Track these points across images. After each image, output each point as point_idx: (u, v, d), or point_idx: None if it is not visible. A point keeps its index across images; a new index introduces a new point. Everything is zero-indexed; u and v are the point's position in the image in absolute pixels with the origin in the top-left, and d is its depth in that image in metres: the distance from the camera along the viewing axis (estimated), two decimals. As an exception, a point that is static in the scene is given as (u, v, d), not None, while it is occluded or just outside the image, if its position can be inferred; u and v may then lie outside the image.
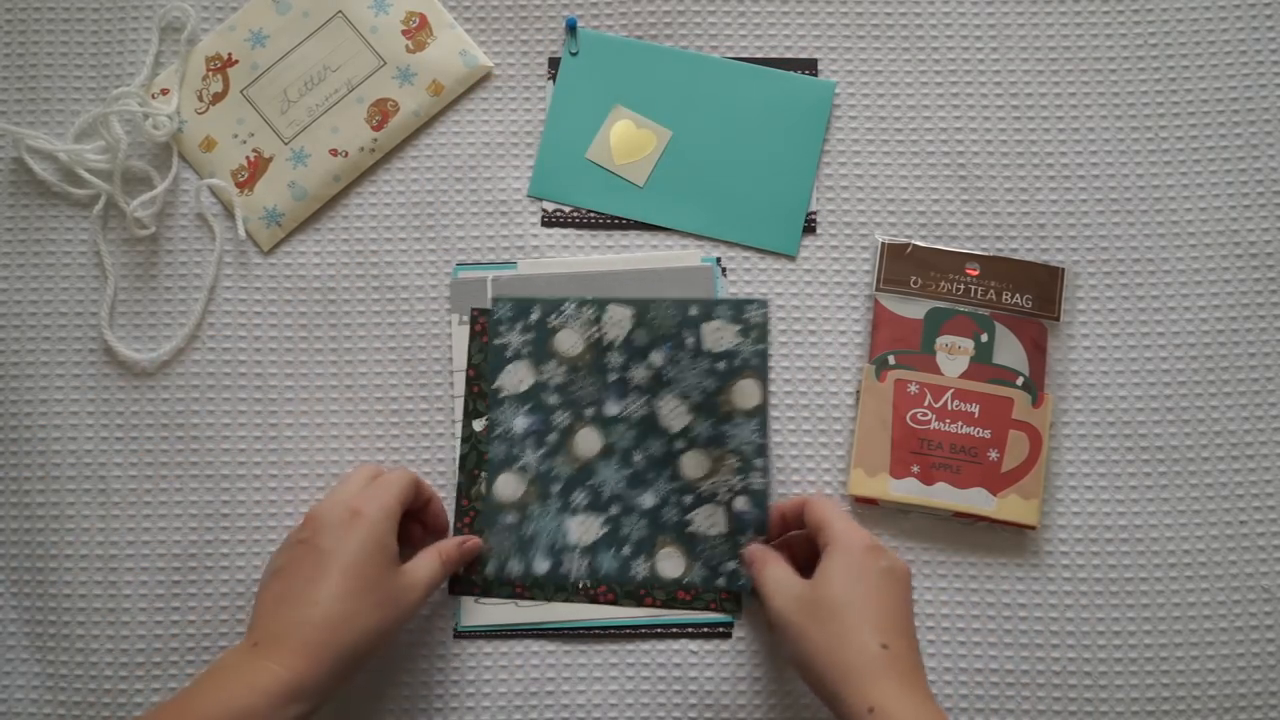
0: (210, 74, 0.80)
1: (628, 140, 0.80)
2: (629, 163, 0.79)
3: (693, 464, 0.74)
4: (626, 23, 0.81)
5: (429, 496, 0.73)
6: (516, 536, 0.74)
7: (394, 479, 0.69)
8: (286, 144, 0.79)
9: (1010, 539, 0.75)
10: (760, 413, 0.74)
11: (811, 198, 0.79)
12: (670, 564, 0.74)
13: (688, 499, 0.74)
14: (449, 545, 0.71)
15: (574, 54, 0.80)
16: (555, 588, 0.73)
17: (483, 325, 0.76)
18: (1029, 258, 0.78)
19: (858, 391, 0.77)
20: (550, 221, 0.79)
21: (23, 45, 0.81)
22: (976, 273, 0.77)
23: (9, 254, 0.79)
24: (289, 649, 0.61)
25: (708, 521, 0.74)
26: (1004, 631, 0.74)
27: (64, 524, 0.76)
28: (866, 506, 0.76)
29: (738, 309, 0.75)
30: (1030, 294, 0.76)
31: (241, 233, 0.78)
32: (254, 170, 0.79)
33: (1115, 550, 0.75)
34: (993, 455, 0.75)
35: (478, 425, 0.75)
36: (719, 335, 0.74)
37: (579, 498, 0.74)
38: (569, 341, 0.75)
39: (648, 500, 0.74)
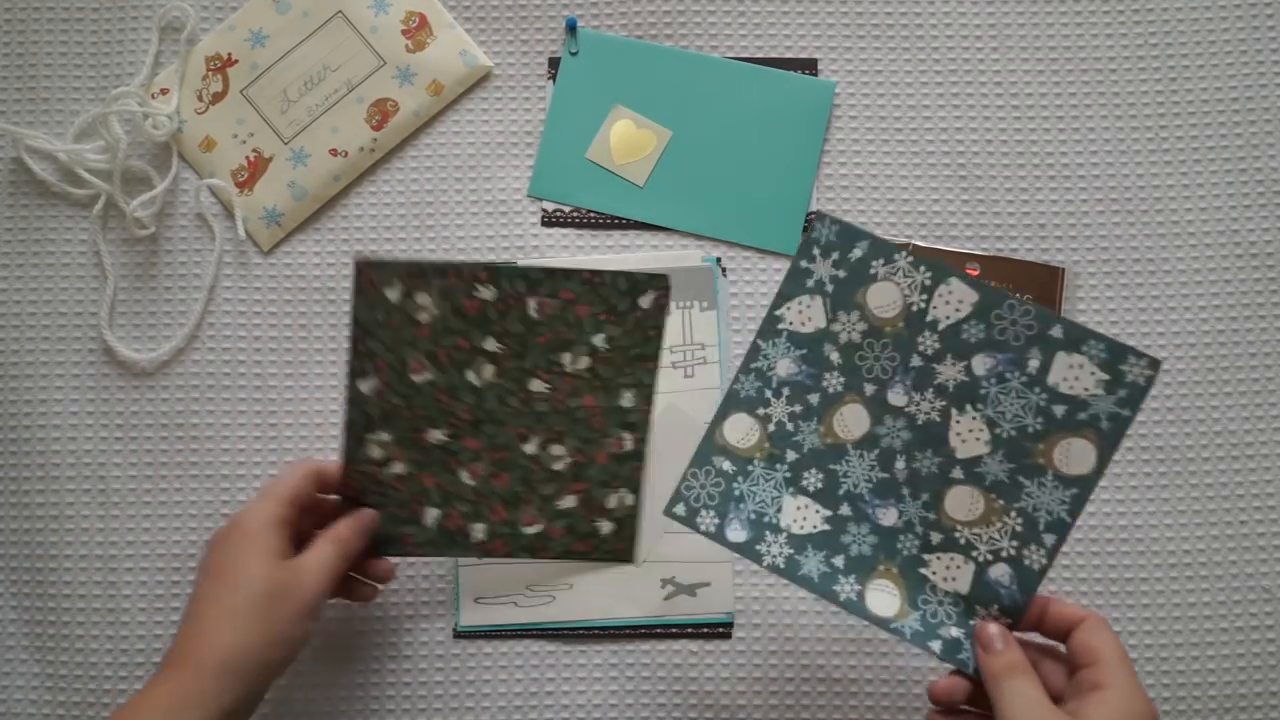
0: (210, 74, 0.80)
1: (628, 140, 0.80)
2: (629, 163, 0.79)
3: (963, 500, 0.61)
4: (626, 22, 0.81)
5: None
6: (725, 489, 0.63)
7: (281, 479, 0.65)
8: (286, 144, 0.79)
9: (1010, 539, 0.75)
10: (1083, 485, 0.59)
11: (811, 198, 0.79)
12: (882, 599, 0.61)
13: (936, 537, 0.61)
14: (339, 525, 0.66)
15: (574, 54, 0.80)
16: (744, 555, 0.63)
17: (368, 280, 0.64)
18: (1029, 258, 0.78)
19: (858, 391, 0.76)
20: (550, 221, 0.79)
21: (22, 45, 0.81)
22: (977, 272, 0.77)
23: (9, 254, 0.79)
24: (178, 665, 0.61)
25: (947, 572, 0.61)
26: (1004, 632, 0.74)
27: (63, 524, 0.76)
28: (867, 507, 0.76)
29: (1116, 354, 0.58)
30: (1031, 294, 0.76)
31: (241, 233, 0.78)
32: (254, 170, 0.79)
33: (1115, 550, 0.75)
34: (993, 455, 0.74)
35: (364, 386, 0.66)
36: (1075, 375, 0.59)
37: (812, 478, 0.63)
38: (886, 299, 0.61)
39: (888, 516, 0.62)
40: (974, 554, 0.60)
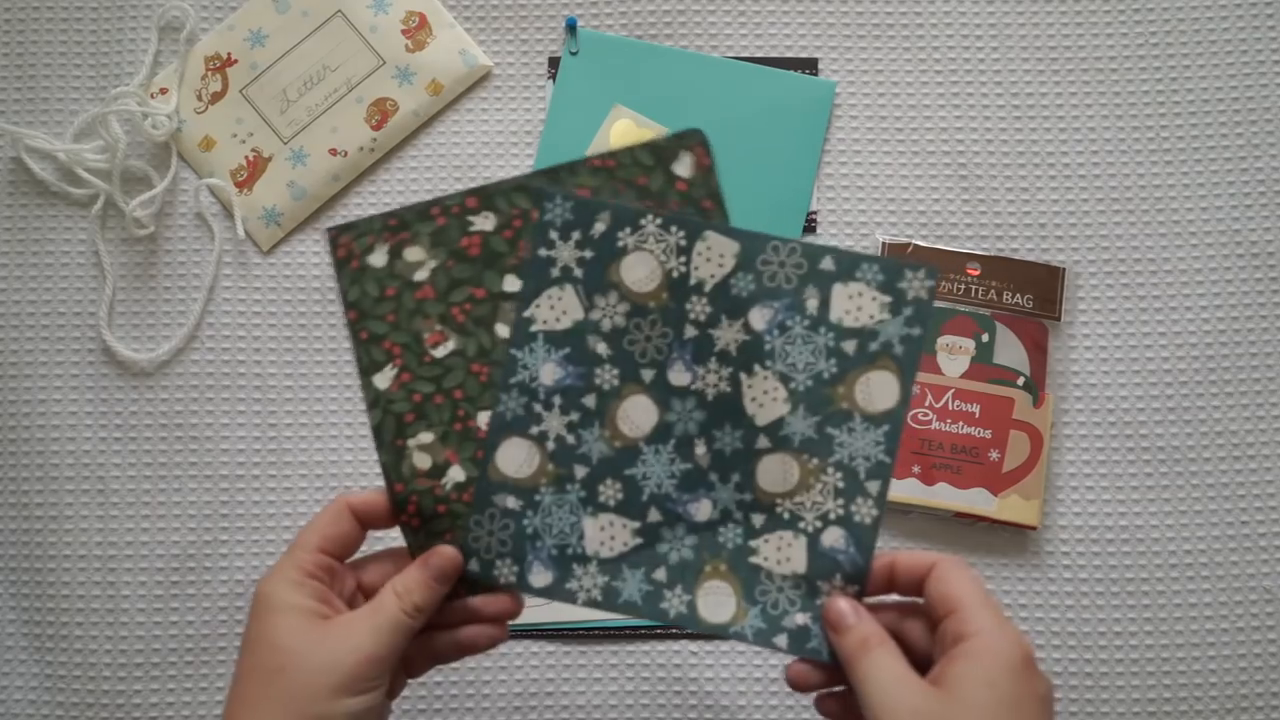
0: (209, 73, 0.80)
1: (628, 140, 0.79)
2: (629, 162, 0.79)
3: (775, 470, 0.55)
4: (626, 22, 0.81)
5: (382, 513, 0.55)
6: (515, 530, 0.55)
7: (306, 526, 0.54)
8: (286, 143, 0.79)
9: (1011, 539, 0.75)
10: (892, 420, 0.54)
11: (812, 197, 0.79)
12: (715, 603, 0.54)
13: (758, 519, 0.54)
14: (406, 572, 0.53)
15: (574, 53, 0.80)
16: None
17: (347, 249, 0.55)
18: (1030, 257, 0.78)
19: (858, 391, 0.76)
20: (550, 221, 0.79)
21: (21, 45, 0.80)
22: (977, 272, 0.77)
23: (8, 254, 0.79)
24: None
25: (780, 554, 0.54)
26: (1005, 632, 0.74)
27: (63, 524, 0.76)
28: (867, 507, 0.76)
29: (893, 273, 0.54)
30: (1031, 294, 0.76)
31: (241, 232, 0.78)
32: (253, 170, 0.79)
33: (1116, 551, 0.75)
34: (993, 455, 0.75)
35: (382, 381, 0.55)
36: (857, 305, 0.54)
37: (609, 491, 0.55)
38: (641, 271, 0.55)
39: (702, 511, 0.55)
40: (802, 525, 0.54)
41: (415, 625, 0.51)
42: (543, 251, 0.55)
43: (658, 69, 0.80)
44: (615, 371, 0.55)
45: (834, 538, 0.54)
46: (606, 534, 0.55)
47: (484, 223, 0.55)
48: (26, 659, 0.75)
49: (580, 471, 0.55)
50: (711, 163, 0.56)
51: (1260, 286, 0.77)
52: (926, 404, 0.75)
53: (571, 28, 0.80)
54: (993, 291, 0.76)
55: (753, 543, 0.54)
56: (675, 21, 0.80)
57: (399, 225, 0.55)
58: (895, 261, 0.54)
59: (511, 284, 0.55)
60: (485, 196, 0.55)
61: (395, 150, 0.80)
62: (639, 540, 0.55)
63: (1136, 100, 0.80)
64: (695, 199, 0.56)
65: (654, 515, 0.55)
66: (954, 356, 0.76)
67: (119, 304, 0.78)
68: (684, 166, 0.55)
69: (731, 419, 0.55)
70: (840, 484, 0.54)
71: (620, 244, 0.55)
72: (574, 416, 0.55)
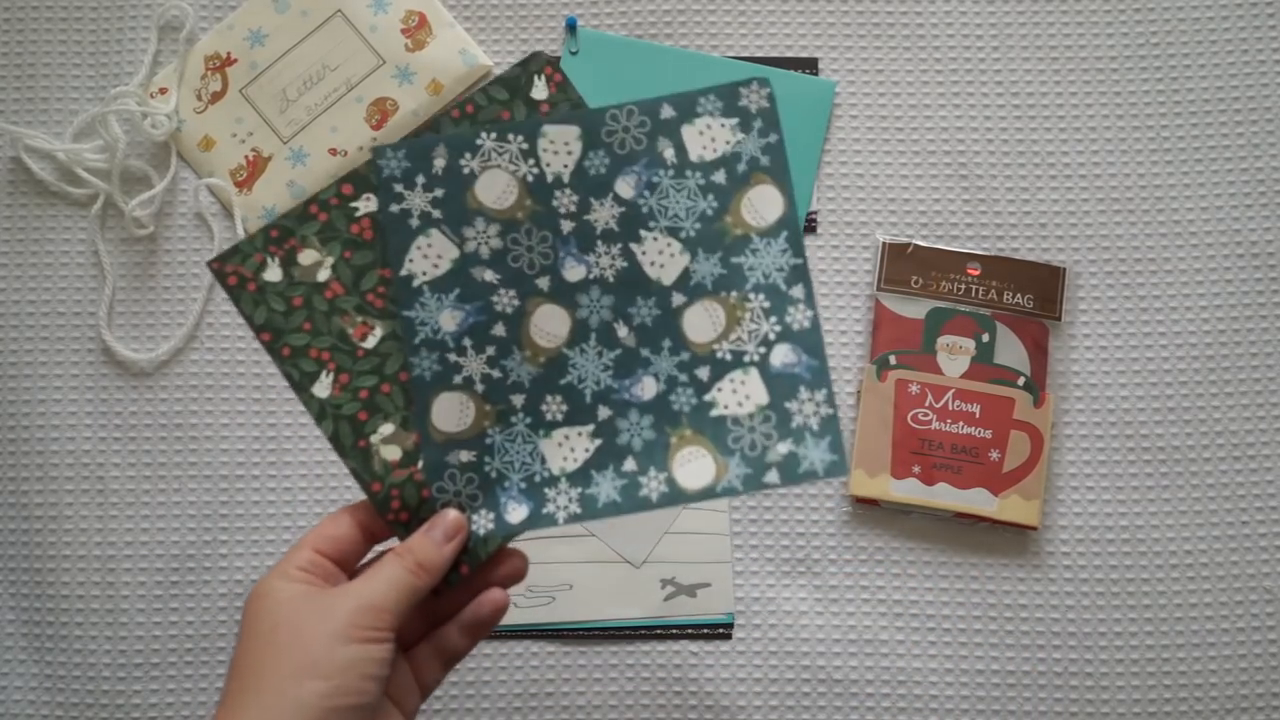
0: (209, 73, 0.80)
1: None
2: (629, 162, 0.79)
3: (701, 320, 0.54)
4: (627, 22, 0.80)
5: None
6: (479, 480, 0.53)
7: (303, 537, 0.52)
8: (285, 143, 0.79)
9: (1011, 540, 0.75)
10: (787, 225, 0.53)
11: (812, 197, 0.79)
12: (695, 469, 0.52)
13: (703, 372, 0.53)
14: (409, 540, 0.51)
15: (574, 53, 0.80)
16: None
17: (237, 275, 0.54)
18: (1030, 257, 0.78)
19: (859, 392, 0.76)
20: (550, 221, 0.79)
21: (20, 45, 0.80)
22: (978, 272, 0.77)
23: (7, 254, 0.78)
24: None
25: (737, 396, 0.53)
26: (1005, 633, 0.74)
27: (62, 524, 0.76)
28: (868, 507, 0.76)
29: (729, 97, 0.54)
30: (1031, 294, 0.76)
31: (240, 232, 0.78)
32: (253, 169, 0.79)
33: (1117, 551, 0.75)
34: (994, 455, 0.75)
35: (321, 390, 0.53)
36: (710, 137, 0.54)
37: (552, 406, 0.54)
38: (497, 188, 0.54)
39: (647, 389, 0.54)
40: (747, 359, 0.53)
41: (419, 585, 0.50)
42: (393, 207, 0.54)
43: (658, 69, 0.80)
44: (511, 292, 0.54)
45: (782, 355, 0.53)
46: (565, 448, 0.54)
47: (367, 205, 0.54)
48: (26, 659, 0.75)
49: (518, 400, 0.54)
50: (564, 77, 0.55)
51: (1260, 286, 0.77)
52: (927, 404, 0.75)
53: (571, 27, 0.80)
54: (993, 291, 0.76)
55: (706, 397, 0.53)
56: (675, 21, 0.80)
57: (282, 234, 0.54)
58: (727, 86, 0.54)
59: None
60: (359, 180, 0.54)
61: (395, 150, 0.80)
62: (599, 441, 0.54)
63: (1137, 100, 0.80)
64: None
65: (603, 412, 0.54)
66: (954, 357, 0.76)
67: (118, 304, 0.78)
68: (540, 90, 0.55)
69: (640, 290, 0.54)
70: (766, 304, 0.53)
71: (466, 170, 0.54)
72: (491, 351, 0.54)
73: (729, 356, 0.53)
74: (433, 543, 0.51)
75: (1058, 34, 0.80)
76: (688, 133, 0.54)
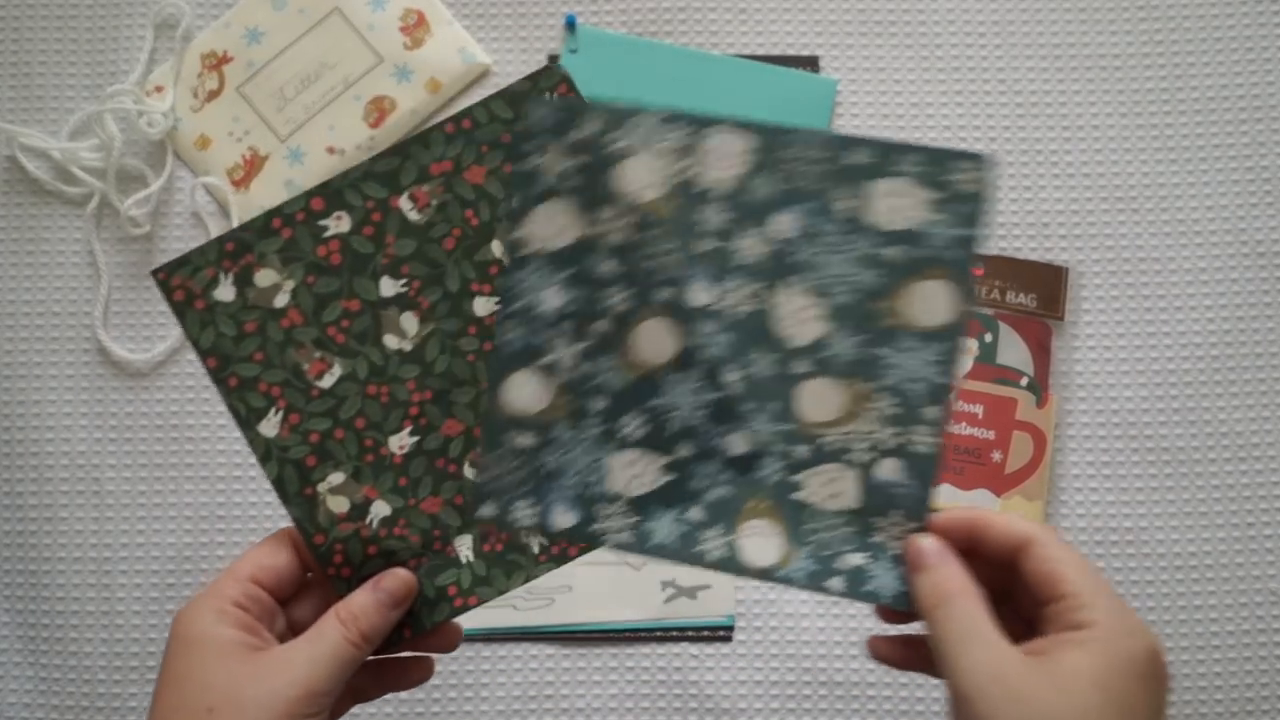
0: (205, 71, 0.80)
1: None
2: (629, 161, 0.79)
3: (819, 399, 0.49)
4: (626, 20, 0.80)
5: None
6: (533, 468, 0.49)
7: (239, 559, 0.50)
8: (283, 142, 0.79)
9: (1014, 541, 0.75)
10: (950, 335, 0.47)
11: (813, 196, 0.78)
12: (761, 545, 0.49)
13: (802, 451, 0.49)
14: (353, 599, 0.47)
15: (573, 51, 0.80)
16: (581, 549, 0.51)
17: (185, 289, 0.49)
18: (1033, 257, 0.77)
19: (860, 392, 0.76)
20: (549, 220, 0.78)
21: (16, 43, 0.80)
22: (980, 272, 0.76)
23: (2, 253, 0.78)
24: None
25: (827, 490, 0.49)
26: (1008, 635, 0.74)
27: (57, 525, 0.75)
28: (869, 508, 0.75)
29: (936, 164, 0.47)
30: (1034, 293, 0.76)
31: (237, 231, 0.78)
32: (250, 168, 0.79)
33: (1120, 552, 0.75)
34: (996, 456, 0.74)
35: (269, 429, 0.49)
36: (898, 203, 0.47)
37: (632, 425, 0.49)
38: (643, 179, 0.49)
39: (737, 444, 0.49)
40: (852, 458, 0.48)
41: (360, 656, 0.47)
42: (527, 165, 0.49)
43: (658, 67, 0.80)
44: (625, 294, 0.49)
45: (890, 469, 0.48)
46: (633, 470, 0.49)
47: (338, 224, 0.49)
48: (21, 661, 0.75)
49: (598, 404, 0.49)
50: (578, 94, 0.50)
51: (1266, 286, 0.77)
52: (929, 404, 0.75)
53: (571, 25, 0.80)
54: (996, 291, 0.76)
55: (796, 478, 0.49)
56: (675, 19, 0.80)
57: (238, 248, 0.48)
58: (940, 150, 0.46)
59: (388, 287, 0.49)
60: (331, 194, 0.49)
61: (393, 148, 0.80)
62: (671, 476, 0.49)
63: (1141, 99, 0.79)
64: None
65: (684, 449, 0.49)
66: (957, 356, 0.75)
67: (114, 304, 0.78)
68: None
69: (763, 343, 0.49)
70: (894, 410, 0.48)
71: (614, 149, 0.48)
72: (585, 344, 0.49)
73: (834, 447, 0.48)
74: (379, 609, 0.47)
75: (1060, 31, 0.80)
76: (876, 189, 0.47)
